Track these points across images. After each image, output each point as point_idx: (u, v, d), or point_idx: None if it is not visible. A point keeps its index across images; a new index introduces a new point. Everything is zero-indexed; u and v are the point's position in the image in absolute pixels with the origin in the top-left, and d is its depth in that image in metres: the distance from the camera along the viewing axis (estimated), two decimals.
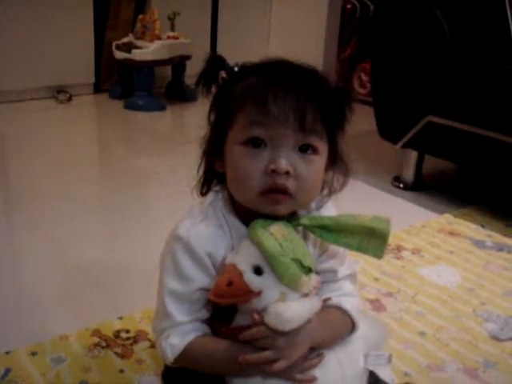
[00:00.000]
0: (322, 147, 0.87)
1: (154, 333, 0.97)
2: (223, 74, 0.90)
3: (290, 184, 0.83)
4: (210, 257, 0.89)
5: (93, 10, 3.39)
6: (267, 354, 0.85)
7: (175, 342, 0.91)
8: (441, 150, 2.16)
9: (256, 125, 0.83)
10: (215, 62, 0.91)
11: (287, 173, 0.82)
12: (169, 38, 3.35)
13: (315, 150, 0.86)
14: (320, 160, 0.87)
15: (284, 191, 0.83)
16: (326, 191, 0.95)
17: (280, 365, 0.85)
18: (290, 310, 0.84)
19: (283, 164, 0.82)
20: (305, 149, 0.85)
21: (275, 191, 0.83)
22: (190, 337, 0.91)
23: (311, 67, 0.89)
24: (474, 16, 2.07)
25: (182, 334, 0.91)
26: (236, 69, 0.90)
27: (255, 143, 0.84)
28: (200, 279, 0.90)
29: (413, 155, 2.27)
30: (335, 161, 0.92)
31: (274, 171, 0.82)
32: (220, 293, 0.85)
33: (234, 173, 0.87)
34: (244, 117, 0.85)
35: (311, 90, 0.85)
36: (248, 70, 0.90)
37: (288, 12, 3.97)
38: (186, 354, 0.91)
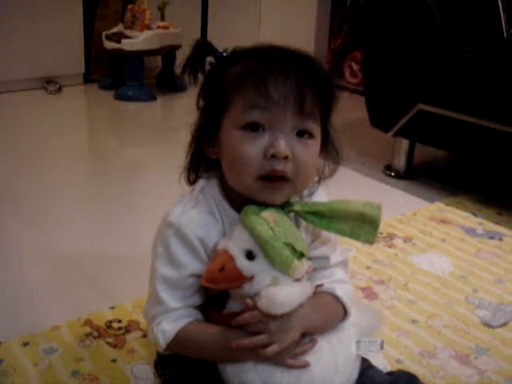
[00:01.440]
0: (317, 132, 0.87)
1: (145, 319, 0.97)
2: (211, 59, 0.89)
3: (288, 169, 0.83)
4: (201, 242, 0.89)
5: (82, 0, 3.36)
6: (260, 338, 0.85)
7: (167, 328, 0.91)
8: (432, 138, 2.16)
9: (255, 108, 0.83)
10: (202, 47, 0.90)
11: (286, 157, 0.82)
12: (159, 27, 3.33)
13: (311, 135, 0.86)
14: (315, 144, 0.88)
15: (282, 177, 0.84)
16: (316, 178, 0.95)
17: (273, 348, 0.85)
18: (283, 293, 0.84)
19: (282, 148, 0.82)
20: (302, 133, 0.85)
21: (273, 178, 0.83)
22: (183, 322, 0.91)
23: (304, 51, 0.89)
24: (465, 3, 2.07)
25: (175, 319, 0.91)
26: (225, 54, 0.90)
27: (253, 127, 0.83)
28: (192, 265, 0.90)
29: (404, 144, 2.27)
30: (326, 146, 0.93)
31: (273, 156, 0.82)
32: (212, 278, 0.85)
33: (232, 158, 0.86)
34: (241, 100, 0.84)
35: (309, 74, 0.85)
36: (240, 54, 0.89)
37: (278, 1, 3.95)
38: (178, 339, 0.91)
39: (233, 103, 0.85)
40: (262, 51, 0.88)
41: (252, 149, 0.83)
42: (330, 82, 0.89)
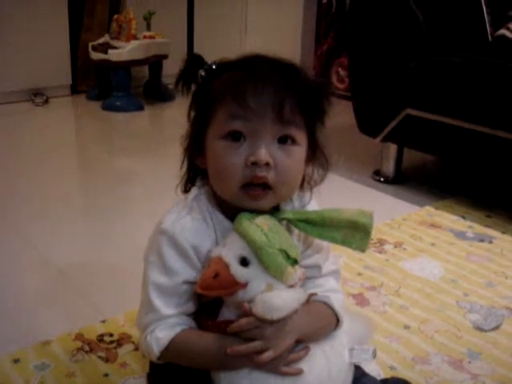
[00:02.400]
0: (301, 137, 0.88)
1: (138, 328, 0.96)
2: (202, 72, 0.90)
3: (270, 176, 0.84)
4: (194, 250, 0.89)
5: (67, 11, 3.35)
6: (255, 344, 0.85)
7: (161, 336, 0.90)
8: (420, 142, 2.17)
9: (235, 118, 0.84)
10: (194, 61, 0.91)
11: (267, 164, 0.83)
12: (145, 37, 3.32)
13: (294, 141, 0.86)
14: (299, 150, 0.88)
15: (264, 184, 0.84)
16: (306, 185, 0.95)
17: (268, 355, 0.85)
18: (278, 298, 0.84)
19: (263, 155, 0.82)
20: (284, 140, 0.85)
21: (255, 185, 0.84)
22: (176, 330, 0.90)
23: (288, 60, 0.90)
24: (450, 8, 2.08)
25: (168, 327, 0.91)
26: (214, 66, 0.91)
27: (234, 137, 0.84)
28: (185, 272, 0.89)
29: (392, 149, 2.28)
30: (315, 154, 0.93)
31: (254, 163, 0.82)
32: (206, 285, 0.85)
33: (215, 167, 0.87)
34: (223, 111, 0.85)
35: (289, 81, 0.85)
36: (225, 66, 0.90)
37: (264, 9, 3.96)
38: (171, 347, 0.90)
39: (215, 114, 0.86)
40: (244, 62, 0.89)
41: (234, 158, 0.84)
42: (313, 89, 0.89)
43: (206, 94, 0.89)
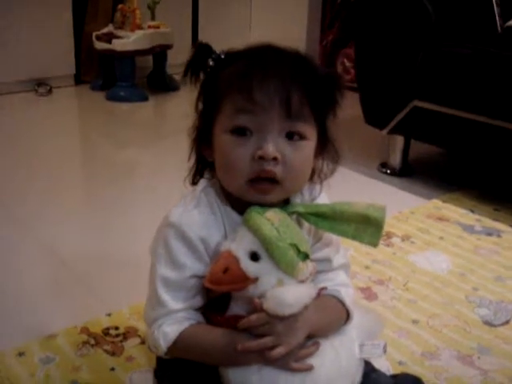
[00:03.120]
0: (310, 132, 0.86)
1: (145, 322, 0.95)
2: (210, 62, 0.88)
3: (278, 170, 0.83)
4: (203, 242, 0.88)
5: (71, 1, 3.33)
6: (266, 340, 0.84)
7: (168, 330, 0.89)
8: (427, 134, 2.15)
9: (242, 112, 0.82)
10: (202, 50, 0.89)
11: (275, 159, 0.82)
12: (149, 27, 3.30)
13: (302, 136, 0.85)
14: (308, 145, 0.86)
15: (272, 178, 0.83)
16: (316, 178, 0.94)
17: (279, 351, 0.83)
18: (290, 293, 0.83)
19: (270, 150, 0.81)
20: (292, 135, 0.84)
21: (263, 179, 0.83)
22: (184, 325, 0.89)
23: (297, 51, 0.88)
24: None
25: (176, 322, 0.90)
26: (222, 56, 0.89)
27: (242, 131, 0.83)
28: (193, 266, 0.88)
29: (399, 141, 2.26)
30: (325, 146, 0.92)
31: (261, 158, 0.81)
32: (216, 280, 0.84)
33: (222, 161, 0.86)
34: (230, 104, 0.84)
35: (297, 74, 0.84)
36: (233, 56, 0.89)
37: None
38: (179, 342, 0.89)
39: (222, 108, 0.85)
40: (251, 53, 0.88)
41: (241, 152, 0.83)
42: (324, 81, 0.87)
43: (213, 85, 0.87)
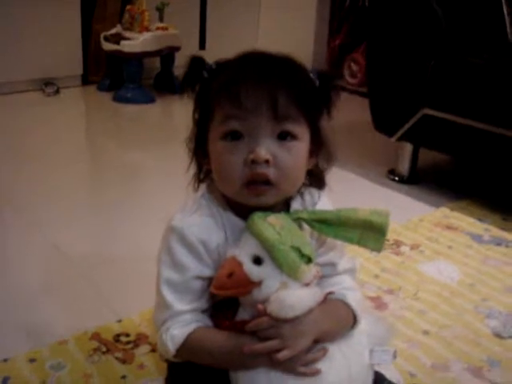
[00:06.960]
0: (301, 132, 0.88)
1: (155, 326, 0.97)
2: (205, 73, 0.91)
3: (271, 173, 0.85)
4: (203, 244, 0.90)
5: (80, 1, 3.33)
6: (272, 343, 0.85)
7: (176, 333, 0.90)
8: (437, 143, 2.15)
9: (231, 118, 0.85)
10: (195, 63, 0.92)
11: (267, 161, 0.84)
12: (158, 29, 3.30)
13: (294, 136, 0.87)
14: (300, 145, 0.88)
15: (265, 181, 0.85)
16: (313, 180, 0.96)
17: (285, 354, 0.84)
18: (292, 296, 0.84)
19: (262, 153, 0.83)
20: (284, 136, 0.86)
21: (257, 182, 0.85)
22: (192, 327, 0.91)
23: (284, 55, 0.91)
24: (470, 8, 2.05)
25: (183, 324, 0.91)
26: (214, 66, 0.92)
27: (233, 136, 0.86)
28: (195, 267, 0.90)
29: (408, 148, 2.25)
30: (319, 147, 0.93)
31: (253, 161, 0.84)
32: (221, 285, 0.86)
33: (217, 167, 0.89)
34: (220, 112, 0.87)
35: (282, 77, 0.86)
36: (223, 65, 0.91)
37: (278, 2, 3.92)
38: (187, 344, 0.90)
39: (214, 116, 0.88)
40: (239, 61, 0.91)
41: (234, 157, 0.85)
42: (311, 81, 0.89)
43: (206, 95, 0.90)
